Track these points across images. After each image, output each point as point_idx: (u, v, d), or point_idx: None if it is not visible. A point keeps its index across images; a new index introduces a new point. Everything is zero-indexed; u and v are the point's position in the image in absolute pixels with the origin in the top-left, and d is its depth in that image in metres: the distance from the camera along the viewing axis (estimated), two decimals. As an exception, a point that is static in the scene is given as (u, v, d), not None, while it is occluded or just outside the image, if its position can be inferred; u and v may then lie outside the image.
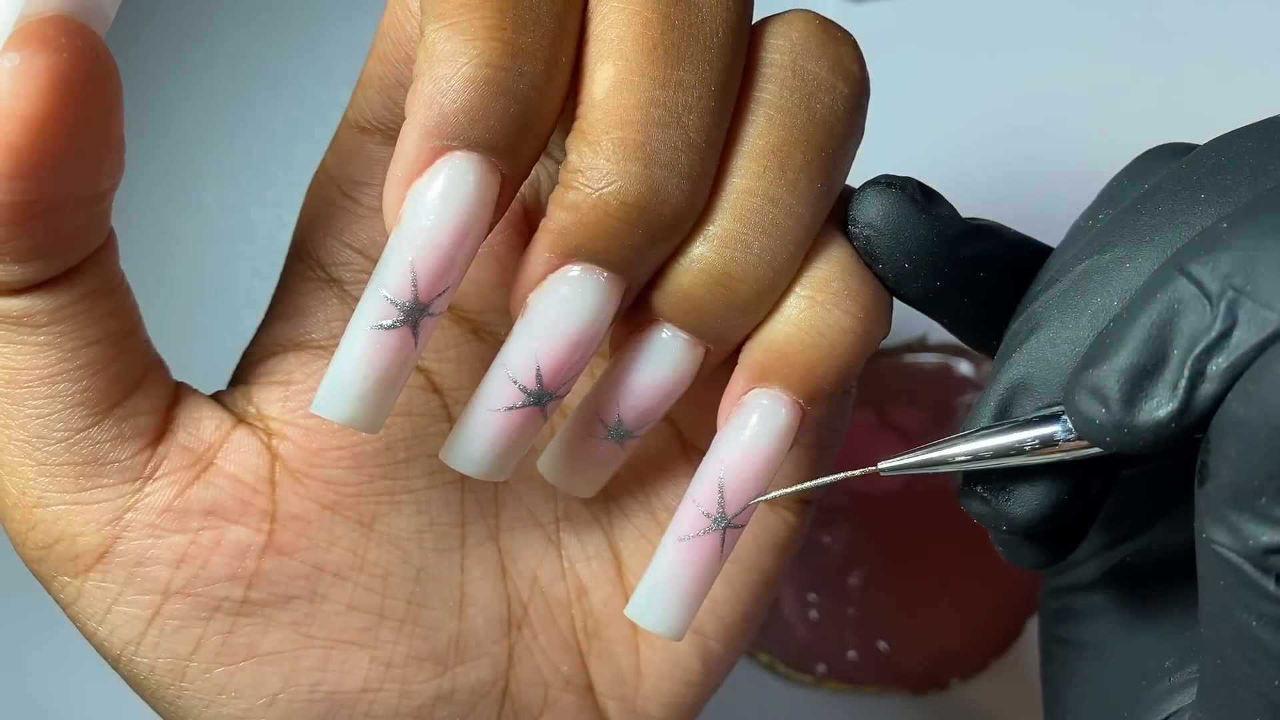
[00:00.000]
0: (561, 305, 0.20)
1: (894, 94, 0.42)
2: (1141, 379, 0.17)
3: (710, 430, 0.21)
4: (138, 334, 0.21)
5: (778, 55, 0.20)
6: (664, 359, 0.21)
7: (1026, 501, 0.19)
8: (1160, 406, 0.16)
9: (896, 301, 0.21)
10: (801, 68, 0.20)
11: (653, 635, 0.24)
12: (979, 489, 0.20)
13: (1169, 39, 0.41)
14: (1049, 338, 0.19)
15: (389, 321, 0.19)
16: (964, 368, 0.38)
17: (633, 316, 0.21)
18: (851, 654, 0.37)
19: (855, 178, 0.21)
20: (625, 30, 0.19)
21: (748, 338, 0.21)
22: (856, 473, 0.21)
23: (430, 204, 0.19)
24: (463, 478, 0.24)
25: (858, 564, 0.38)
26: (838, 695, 0.38)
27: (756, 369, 0.21)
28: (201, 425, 0.22)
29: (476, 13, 0.18)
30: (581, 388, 0.23)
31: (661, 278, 0.20)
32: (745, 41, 0.20)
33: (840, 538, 0.38)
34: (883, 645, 0.37)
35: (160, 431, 0.21)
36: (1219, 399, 0.16)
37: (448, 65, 0.18)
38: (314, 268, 0.23)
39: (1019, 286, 0.21)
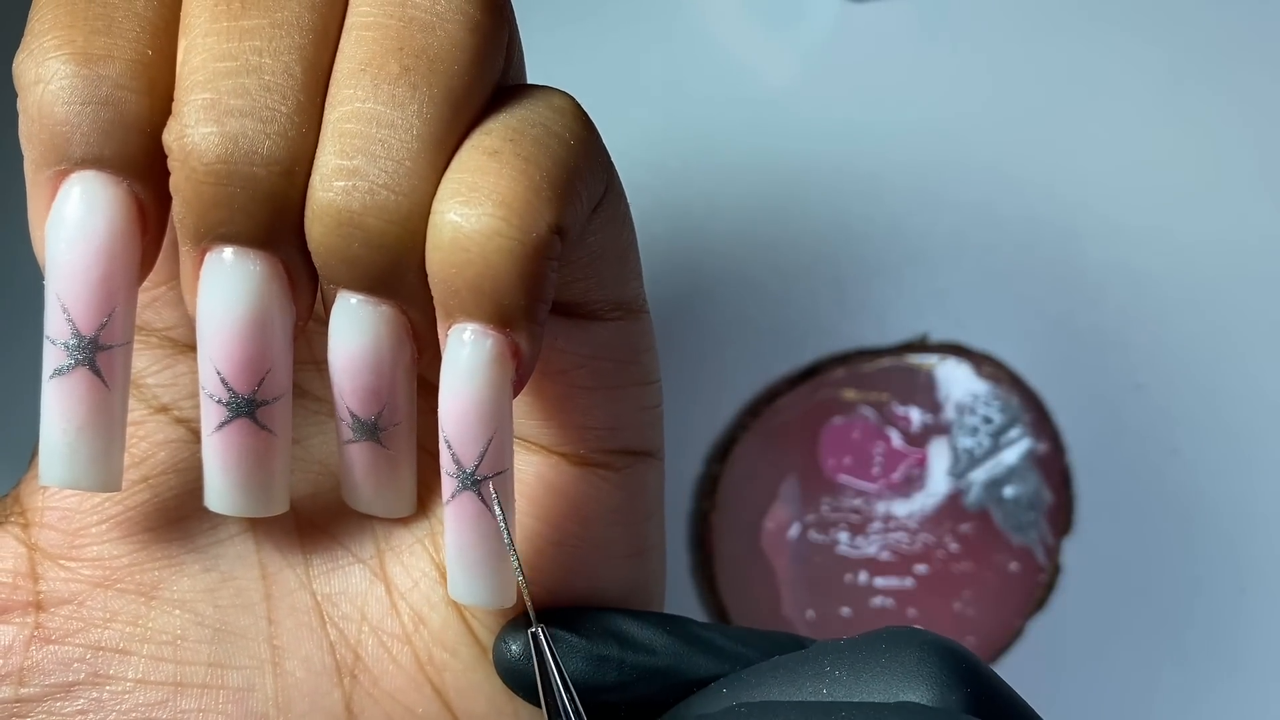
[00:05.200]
0: (213, 297, 0.18)
1: (894, 93, 0.42)
2: None
3: None
4: None
5: None
6: (352, 327, 0.19)
7: None
8: None
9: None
10: None
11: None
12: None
13: (1171, 36, 0.41)
14: None
15: (63, 365, 0.18)
16: (964, 368, 0.38)
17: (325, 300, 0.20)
18: (851, 654, 0.37)
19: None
20: (191, 3, 0.18)
21: None
22: (522, 581, 0.20)
23: (57, 235, 0.18)
24: (252, 527, 0.22)
25: (856, 564, 0.38)
26: (837, 696, 0.38)
27: (440, 308, 0.18)
28: None
29: (47, 35, 0.17)
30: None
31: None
32: None
33: (840, 538, 0.38)
34: (882, 646, 0.37)
35: None
36: None
37: (29, 94, 0.17)
38: None
39: None
